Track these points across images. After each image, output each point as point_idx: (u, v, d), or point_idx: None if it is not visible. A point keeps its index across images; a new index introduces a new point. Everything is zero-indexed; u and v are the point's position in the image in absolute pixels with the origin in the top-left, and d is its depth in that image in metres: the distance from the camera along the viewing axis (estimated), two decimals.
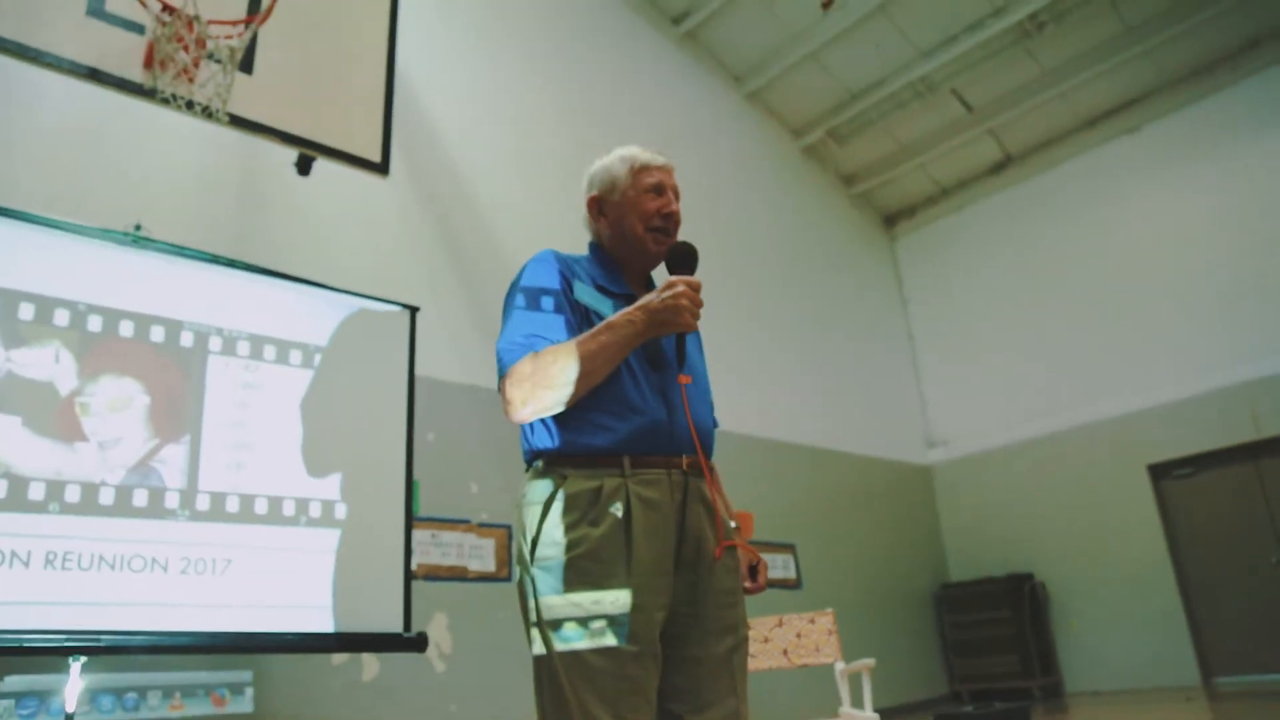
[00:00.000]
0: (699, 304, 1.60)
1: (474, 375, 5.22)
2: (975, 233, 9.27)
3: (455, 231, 5.44)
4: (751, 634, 3.37)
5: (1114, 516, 7.80)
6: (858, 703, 3.06)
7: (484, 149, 5.80)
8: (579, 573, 1.52)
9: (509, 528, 5.17)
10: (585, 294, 1.72)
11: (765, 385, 7.34)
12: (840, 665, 3.22)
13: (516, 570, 1.65)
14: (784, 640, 3.32)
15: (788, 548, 6.87)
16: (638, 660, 1.50)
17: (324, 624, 3.23)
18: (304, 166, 3.86)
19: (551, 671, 1.52)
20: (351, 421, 3.54)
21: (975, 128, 8.58)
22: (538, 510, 1.60)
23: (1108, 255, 8.24)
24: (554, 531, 1.56)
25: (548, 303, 1.67)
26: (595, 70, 6.99)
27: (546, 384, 1.55)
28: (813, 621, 3.33)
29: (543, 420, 1.64)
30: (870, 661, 3.04)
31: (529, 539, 1.60)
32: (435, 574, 4.90)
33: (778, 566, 6.73)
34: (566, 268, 1.76)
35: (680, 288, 1.58)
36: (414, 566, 4.83)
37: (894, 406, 8.99)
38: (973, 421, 8.92)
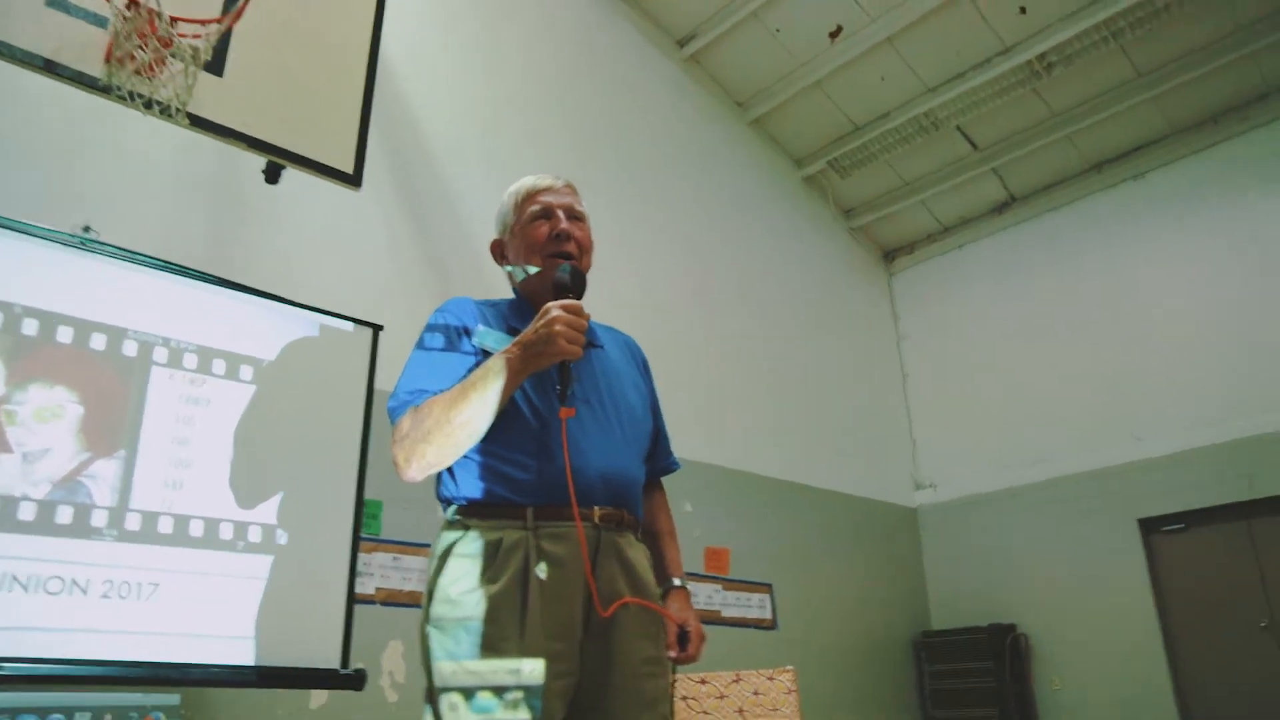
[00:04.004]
0: (578, 327, 1.45)
1: None
2: (975, 272, 9.12)
3: (437, 251, 5.30)
4: (707, 689, 3.20)
5: (1102, 569, 7.61)
6: None
7: (474, 167, 5.66)
8: (471, 635, 1.40)
9: None
10: (493, 339, 1.59)
11: (749, 416, 7.18)
12: None
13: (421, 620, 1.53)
14: (741, 698, 3.15)
15: (765, 587, 6.69)
16: None
17: (256, 655, 3.06)
18: (272, 174, 3.73)
19: None
20: (302, 442, 3.39)
21: (979, 166, 8.45)
22: (437, 563, 1.50)
23: (1108, 302, 8.09)
24: (449, 589, 1.45)
25: (440, 351, 1.56)
26: (596, 91, 6.88)
27: (424, 439, 1.43)
28: (771, 679, 3.16)
29: (454, 467, 1.53)
30: None
31: (430, 591, 1.49)
32: (395, 599, 4.74)
33: (753, 606, 6.54)
34: (475, 313, 1.65)
35: (555, 312, 1.44)
36: (373, 590, 4.68)
37: (883, 445, 8.81)
38: (963, 465, 8.74)
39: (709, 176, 7.68)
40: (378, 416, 3.72)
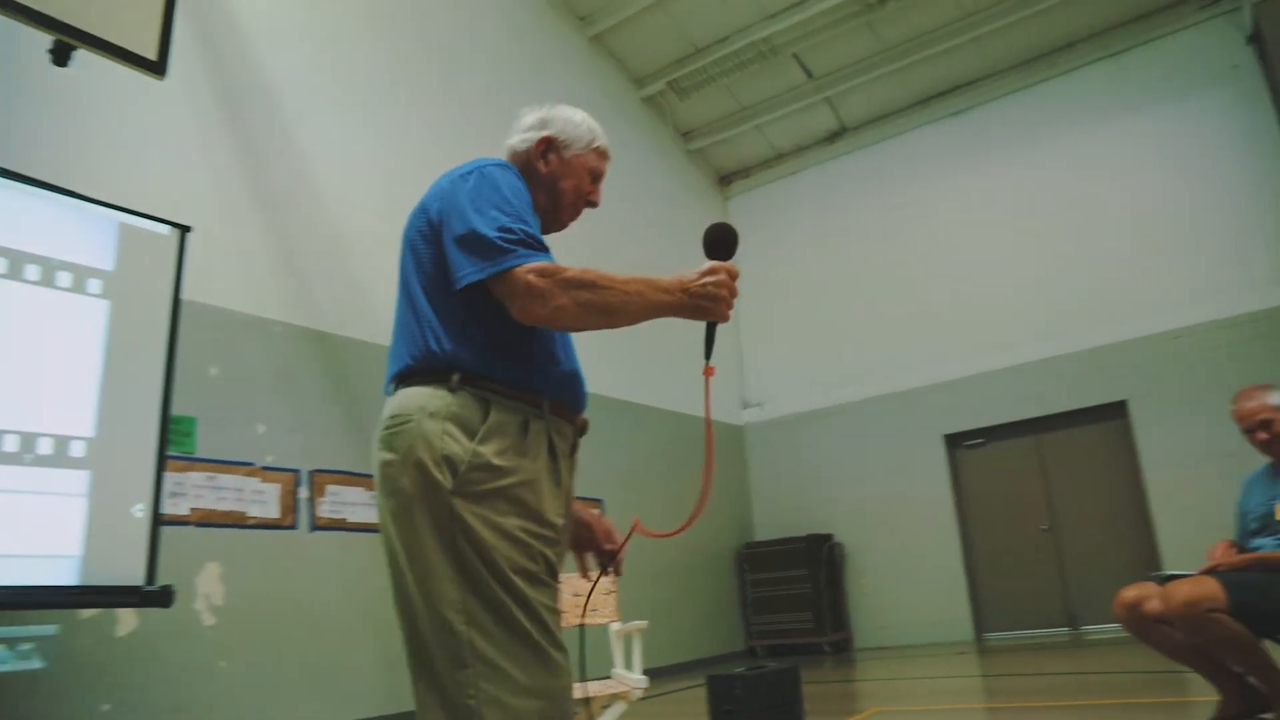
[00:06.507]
0: (735, 294, 1.51)
1: (267, 307, 4.83)
2: (805, 199, 9.43)
3: (257, 150, 4.97)
4: None
5: (911, 481, 8.22)
6: (629, 664, 3.01)
7: (296, 63, 5.32)
8: (513, 503, 1.41)
9: (298, 472, 4.86)
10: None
11: (579, 335, 7.20)
12: (615, 626, 3.16)
13: (417, 492, 1.42)
14: (561, 600, 3.22)
15: (595, 502, 6.84)
16: (556, 595, 1.44)
17: (51, 575, 2.87)
18: (60, 55, 3.35)
19: (495, 602, 1.36)
20: (98, 349, 3.15)
21: (814, 95, 8.67)
22: (457, 430, 1.42)
23: (927, 232, 8.56)
24: (491, 456, 1.41)
25: (534, 218, 1.57)
26: None
27: (602, 308, 1.44)
28: (589, 580, 3.24)
29: (469, 336, 1.49)
30: (642, 624, 3.00)
31: (450, 458, 1.40)
32: (210, 519, 4.54)
33: None
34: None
35: (723, 275, 1.49)
36: (187, 511, 4.47)
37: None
38: (788, 385, 9.15)
39: (545, 88, 7.51)
40: (185, 326, 3.51)
